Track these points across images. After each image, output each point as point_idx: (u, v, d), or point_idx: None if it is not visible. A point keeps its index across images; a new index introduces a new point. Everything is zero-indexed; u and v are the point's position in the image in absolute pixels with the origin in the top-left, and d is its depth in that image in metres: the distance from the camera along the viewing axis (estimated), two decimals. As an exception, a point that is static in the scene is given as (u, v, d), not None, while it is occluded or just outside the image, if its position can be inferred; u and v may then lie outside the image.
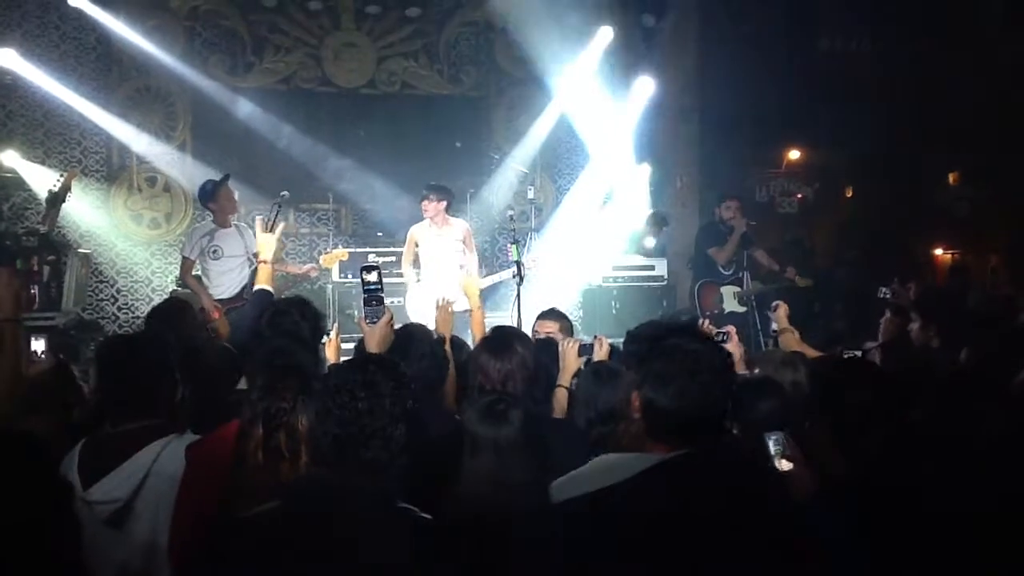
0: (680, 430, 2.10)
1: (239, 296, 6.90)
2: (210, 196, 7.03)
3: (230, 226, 7.06)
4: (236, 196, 7.18)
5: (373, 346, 2.99)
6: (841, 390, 2.64)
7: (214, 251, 6.98)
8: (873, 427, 2.53)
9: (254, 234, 7.10)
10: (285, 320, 3.55)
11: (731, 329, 4.30)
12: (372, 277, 3.08)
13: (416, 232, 7.43)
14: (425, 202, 7.31)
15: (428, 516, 1.99)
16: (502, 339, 3.23)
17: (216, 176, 7.26)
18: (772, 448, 2.55)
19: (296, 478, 2.19)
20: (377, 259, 8.39)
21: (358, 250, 8.69)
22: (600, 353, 3.79)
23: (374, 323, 3.04)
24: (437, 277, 7.23)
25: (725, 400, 2.16)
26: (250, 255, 7.10)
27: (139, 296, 9.09)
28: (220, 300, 6.88)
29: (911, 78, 11.30)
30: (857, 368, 2.88)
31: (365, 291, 3.08)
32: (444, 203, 7.35)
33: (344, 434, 1.97)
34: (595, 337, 3.92)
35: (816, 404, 2.71)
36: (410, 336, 3.34)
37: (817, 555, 2.30)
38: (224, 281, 6.98)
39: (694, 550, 1.98)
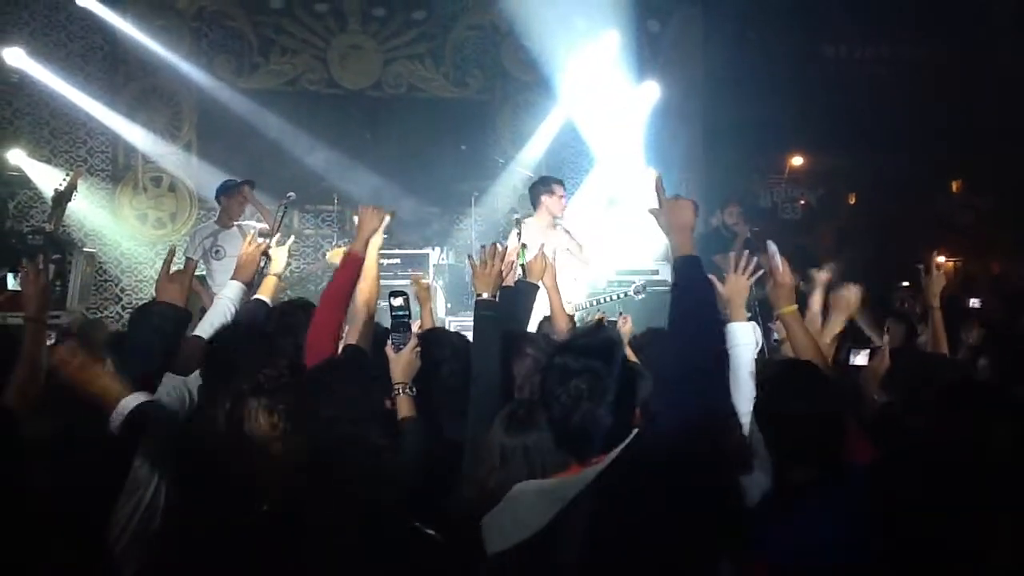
0: (573, 442, 2.08)
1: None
2: (225, 192, 7.12)
3: (232, 227, 7.11)
4: (247, 204, 7.21)
5: (399, 374, 2.93)
6: (781, 402, 2.53)
7: (216, 251, 7.02)
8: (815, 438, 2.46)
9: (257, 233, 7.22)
10: (288, 320, 3.53)
11: None
12: (399, 302, 3.02)
13: (527, 236, 6.24)
14: (557, 198, 6.50)
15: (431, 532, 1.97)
16: (513, 345, 3.19)
17: (225, 176, 7.32)
18: None
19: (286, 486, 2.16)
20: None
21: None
22: (624, 330, 3.88)
23: (400, 349, 2.97)
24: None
25: (617, 410, 2.06)
26: None
27: (143, 295, 9.07)
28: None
29: (916, 85, 11.31)
30: (798, 379, 2.67)
31: (393, 317, 3.01)
32: None
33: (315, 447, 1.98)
34: (619, 314, 3.99)
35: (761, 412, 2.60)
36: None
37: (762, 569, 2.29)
38: (227, 281, 6.98)
39: (654, 551, 1.94)
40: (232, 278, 3.44)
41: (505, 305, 3.69)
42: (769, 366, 3.06)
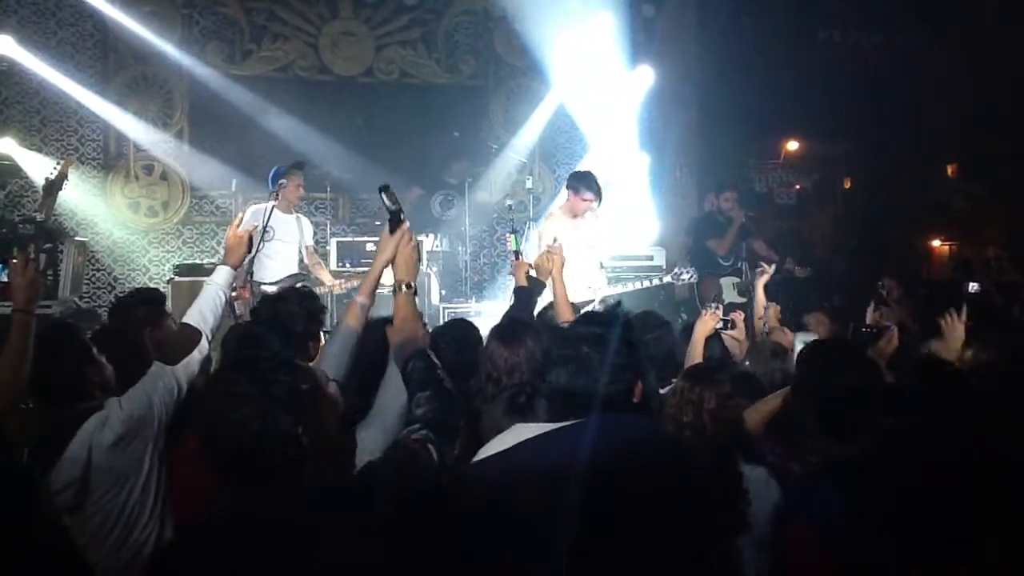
0: (571, 405, 2.16)
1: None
2: (279, 179, 7.05)
3: (291, 213, 7.12)
4: (301, 187, 7.17)
5: (400, 270, 2.78)
6: (823, 375, 2.67)
7: (267, 231, 6.85)
8: (858, 411, 2.55)
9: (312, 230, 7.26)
10: (281, 307, 3.53)
11: (737, 316, 4.35)
12: (386, 197, 2.82)
13: (552, 227, 6.38)
14: (581, 201, 6.43)
15: None
16: (514, 331, 3.25)
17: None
18: None
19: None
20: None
21: (356, 239, 8.69)
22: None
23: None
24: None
25: (618, 378, 2.18)
26: (302, 247, 7.12)
27: (136, 284, 9.02)
28: (259, 282, 6.72)
29: (910, 69, 11.28)
30: (839, 352, 2.88)
31: (389, 212, 2.83)
32: None
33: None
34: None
35: (801, 388, 2.75)
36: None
37: (806, 535, 2.32)
38: (268, 264, 6.89)
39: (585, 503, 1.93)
40: (221, 262, 3.36)
41: (518, 302, 4.02)
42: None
